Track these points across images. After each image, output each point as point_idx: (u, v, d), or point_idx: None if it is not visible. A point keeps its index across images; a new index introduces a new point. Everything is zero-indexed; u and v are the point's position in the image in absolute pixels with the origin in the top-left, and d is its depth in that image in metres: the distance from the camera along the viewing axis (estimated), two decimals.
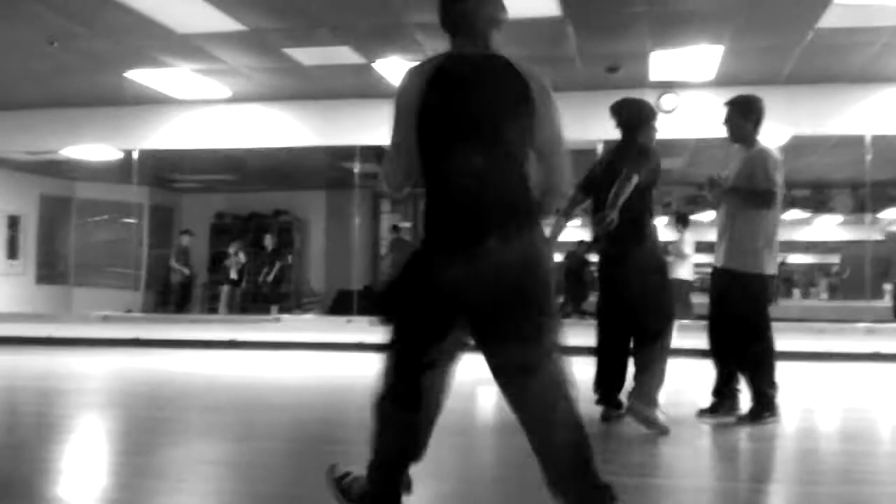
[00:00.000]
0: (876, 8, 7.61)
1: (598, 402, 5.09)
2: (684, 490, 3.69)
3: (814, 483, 3.89)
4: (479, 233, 2.53)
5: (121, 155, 12.46)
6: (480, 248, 2.51)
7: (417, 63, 2.72)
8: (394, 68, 9.33)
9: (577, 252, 15.31)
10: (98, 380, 8.04)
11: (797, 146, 10.80)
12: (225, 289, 14.70)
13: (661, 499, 3.48)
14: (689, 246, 12.32)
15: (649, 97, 6.47)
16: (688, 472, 4.12)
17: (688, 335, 7.72)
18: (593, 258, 15.65)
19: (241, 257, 14.91)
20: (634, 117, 5.19)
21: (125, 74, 10.07)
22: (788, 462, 4.39)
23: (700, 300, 13.24)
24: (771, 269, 5.14)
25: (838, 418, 5.96)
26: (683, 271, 12.09)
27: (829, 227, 16.67)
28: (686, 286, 12.16)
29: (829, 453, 4.76)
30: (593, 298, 15.82)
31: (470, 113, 2.60)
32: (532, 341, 2.54)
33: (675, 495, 3.59)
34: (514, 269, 2.52)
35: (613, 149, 5.31)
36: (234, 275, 14.79)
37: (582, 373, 7.03)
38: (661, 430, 4.78)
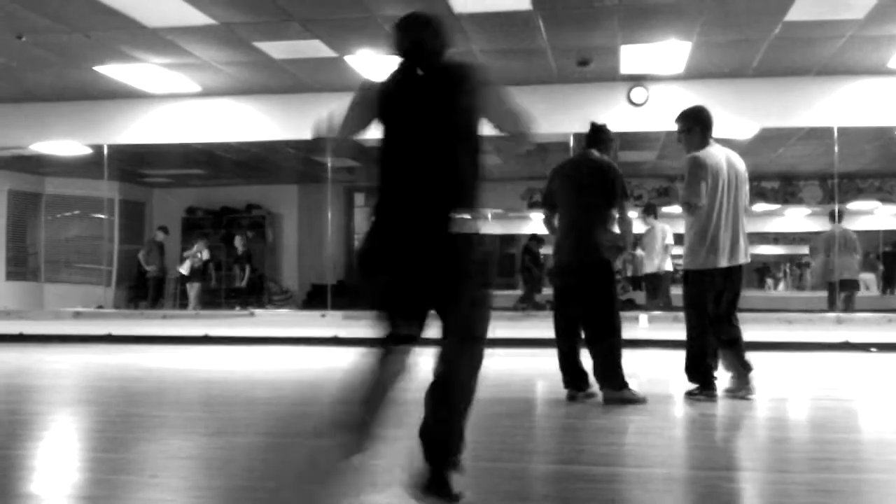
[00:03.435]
0: (842, 1, 7.71)
1: (566, 385, 5.70)
2: (655, 479, 3.73)
3: (784, 471, 3.95)
4: (429, 214, 2.90)
5: (90, 150, 12.35)
6: (430, 229, 2.88)
7: (376, 81, 3.15)
8: (365, 62, 9.33)
9: (530, 247, 15.40)
10: (70, 376, 7.98)
11: (766, 138, 10.93)
12: (195, 285, 14.58)
13: (631, 487, 3.51)
14: (668, 237, 12.21)
15: (620, 90, 6.55)
16: (658, 462, 4.16)
17: (664, 327, 7.76)
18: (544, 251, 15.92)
19: (205, 255, 14.74)
20: (590, 139, 5.88)
21: (94, 69, 9.99)
22: (759, 450, 4.45)
23: (678, 292, 13.31)
24: (707, 264, 5.53)
25: (808, 407, 6.04)
26: (658, 263, 11.92)
27: (798, 218, 16.91)
28: (662, 278, 12.08)
29: (799, 441, 4.82)
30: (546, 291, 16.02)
31: (424, 114, 3.00)
32: (474, 314, 2.96)
33: (646, 484, 3.63)
34: (458, 247, 2.89)
35: (569, 164, 6.08)
36: (184, 271, 14.66)
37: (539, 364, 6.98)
38: (639, 401, 5.44)
